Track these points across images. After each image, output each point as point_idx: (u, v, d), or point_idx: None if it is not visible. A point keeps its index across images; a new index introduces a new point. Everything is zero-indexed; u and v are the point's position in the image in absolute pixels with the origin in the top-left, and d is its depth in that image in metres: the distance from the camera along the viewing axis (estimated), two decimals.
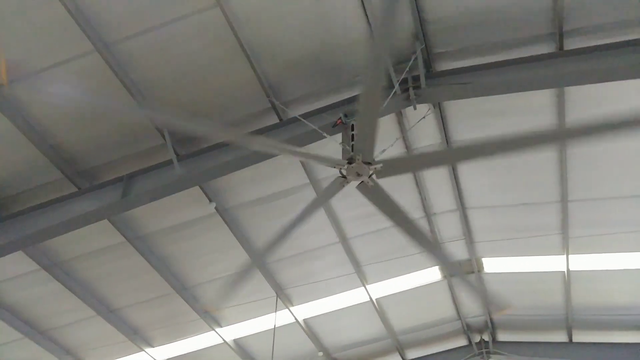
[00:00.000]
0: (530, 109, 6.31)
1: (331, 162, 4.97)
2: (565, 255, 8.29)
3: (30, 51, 5.38)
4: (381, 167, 4.89)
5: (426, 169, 7.11)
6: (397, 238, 8.30)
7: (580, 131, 4.46)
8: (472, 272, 9.04)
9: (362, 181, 4.99)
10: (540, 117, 6.37)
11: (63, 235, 6.65)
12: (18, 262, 7.40)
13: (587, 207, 7.45)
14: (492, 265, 8.96)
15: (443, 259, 6.24)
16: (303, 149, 5.03)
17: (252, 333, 9.54)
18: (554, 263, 8.55)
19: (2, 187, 6.65)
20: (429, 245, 5.62)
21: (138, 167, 6.47)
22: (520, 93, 5.88)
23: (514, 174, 7.25)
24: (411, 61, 5.67)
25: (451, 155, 5.87)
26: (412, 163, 5.84)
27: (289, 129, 6.09)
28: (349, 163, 4.89)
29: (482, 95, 5.73)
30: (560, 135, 5.21)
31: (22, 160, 6.40)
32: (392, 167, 5.01)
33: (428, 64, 5.90)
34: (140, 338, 9.29)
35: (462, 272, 6.03)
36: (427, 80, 5.75)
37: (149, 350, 9.49)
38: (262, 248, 5.98)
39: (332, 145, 5.45)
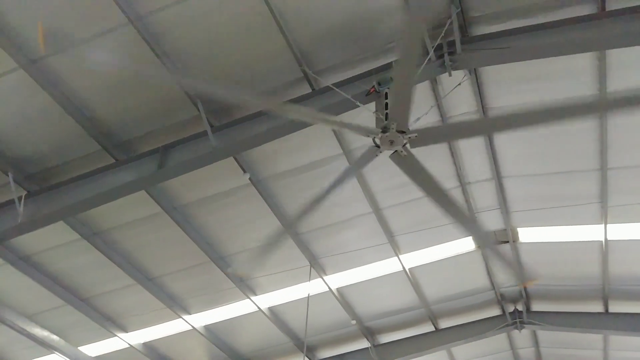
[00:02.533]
0: (570, 73, 6.13)
1: (365, 131, 4.89)
2: (603, 225, 8.12)
3: (65, 25, 5.43)
4: (416, 136, 4.81)
5: (461, 139, 7.00)
6: (430, 208, 8.22)
7: (621, 101, 4.31)
8: (507, 242, 8.97)
9: (396, 150, 4.94)
10: (580, 81, 6.19)
11: (102, 206, 6.83)
12: (59, 232, 7.64)
13: (628, 174, 7.25)
14: (527, 235, 8.85)
15: (476, 232, 6.15)
16: (337, 118, 4.98)
17: (286, 301, 9.67)
18: (591, 232, 8.38)
19: (43, 160, 6.84)
20: (463, 217, 5.55)
21: (173, 138, 6.55)
22: (559, 57, 5.71)
23: (552, 142, 7.08)
24: (446, 26, 5.54)
25: (488, 124, 5.72)
26: (447, 132, 5.71)
27: (322, 98, 6.05)
28: (383, 132, 4.83)
29: (520, 60, 5.58)
30: (601, 105, 5.04)
31: (61, 134, 6.55)
32: (427, 136, 4.92)
33: (464, 29, 5.75)
34: (177, 305, 9.52)
35: (495, 244, 5.90)
36: (463, 45, 5.62)
37: (186, 317, 9.73)
38: (294, 216, 6.02)
39: (365, 114, 5.40)
